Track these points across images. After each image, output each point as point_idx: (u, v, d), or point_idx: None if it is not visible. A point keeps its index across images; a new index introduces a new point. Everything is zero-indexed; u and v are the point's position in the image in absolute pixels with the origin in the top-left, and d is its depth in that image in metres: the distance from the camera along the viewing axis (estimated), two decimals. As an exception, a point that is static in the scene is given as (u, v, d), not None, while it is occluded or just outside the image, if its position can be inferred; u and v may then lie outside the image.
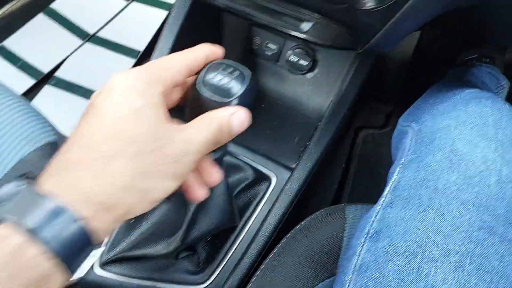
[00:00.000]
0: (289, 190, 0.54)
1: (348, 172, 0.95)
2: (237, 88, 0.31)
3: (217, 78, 0.31)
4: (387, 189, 0.40)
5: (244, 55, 0.70)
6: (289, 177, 0.55)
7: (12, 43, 1.07)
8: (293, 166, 0.57)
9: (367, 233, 0.37)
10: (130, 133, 0.26)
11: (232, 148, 0.58)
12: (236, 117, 0.30)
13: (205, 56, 0.32)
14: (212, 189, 0.40)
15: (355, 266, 0.36)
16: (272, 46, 0.67)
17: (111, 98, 0.27)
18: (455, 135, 0.38)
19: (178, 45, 0.60)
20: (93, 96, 0.28)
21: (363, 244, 0.37)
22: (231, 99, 0.31)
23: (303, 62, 0.65)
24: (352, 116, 0.97)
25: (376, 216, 0.38)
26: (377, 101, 1.00)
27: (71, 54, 1.06)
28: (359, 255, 0.37)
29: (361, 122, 1.00)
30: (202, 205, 0.45)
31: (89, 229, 0.24)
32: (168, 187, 0.27)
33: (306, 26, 0.48)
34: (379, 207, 0.39)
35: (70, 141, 0.27)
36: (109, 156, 0.25)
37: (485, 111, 0.40)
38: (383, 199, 0.39)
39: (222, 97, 0.31)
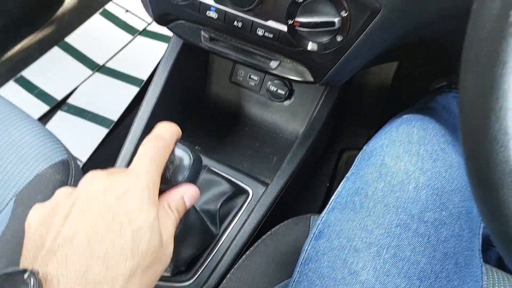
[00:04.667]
0: (263, 202, 0.63)
1: (331, 190, 1.03)
2: (181, 176, 0.36)
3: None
4: (332, 197, 0.48)
5: (230, 85, 0.80)
6: (264, 191, 0.64)
7: (29, 73, 1.19)
8: (269, 182, 0.66)
9: (313, 234, 0.46)
10: (144, 247, 0.30)
11: (216, 165, 0.67)
12: (187, 198, 0.36)
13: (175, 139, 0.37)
14: (183, 221, 0.44)
15: (302, 260, 0.45)
16: (254, 77, 0.77)
17: (128, 201, 0.30)
18: (386, 152, 0.46)
19: (172, 78, 0.70)
20: (109, 189, 0.31)
21: (309, 243, 0.45)
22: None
23: (281, 91, 0.75)
24: (334, 139, 1.05)
25: (321, 219, 0.46)
26: (359, 126, 1.09)
27: (82, 83, 1.17)
28: (306, 252, 0.45)
29: (344, 145, 1.09)
30: (179, 237, 0.48)
31: None
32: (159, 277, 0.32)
33: (274, 64, 0.57)
34: (324, 212, 0.47)
35: (89, 245, 0.29)
36: (127, 274, 0.29)
37: (412, 131, 0.47)
38: (328, 206, 0.48)
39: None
